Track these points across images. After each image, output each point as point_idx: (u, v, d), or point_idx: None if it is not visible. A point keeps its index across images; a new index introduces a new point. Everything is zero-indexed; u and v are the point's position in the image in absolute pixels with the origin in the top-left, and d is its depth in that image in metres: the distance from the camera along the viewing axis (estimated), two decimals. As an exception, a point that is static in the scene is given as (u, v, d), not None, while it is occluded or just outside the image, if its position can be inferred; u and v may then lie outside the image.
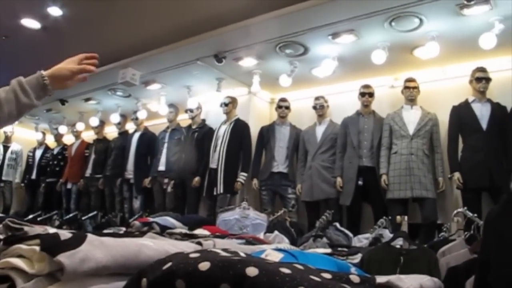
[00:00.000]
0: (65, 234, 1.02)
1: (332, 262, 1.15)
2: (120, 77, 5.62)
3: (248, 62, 5.21)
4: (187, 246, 1.27)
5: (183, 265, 0.80)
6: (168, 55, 5.29)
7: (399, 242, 2.91)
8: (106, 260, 0.95)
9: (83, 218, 6.52)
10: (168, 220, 4.19)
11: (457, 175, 4.42)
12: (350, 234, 4.03)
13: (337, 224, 4.16)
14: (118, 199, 6.89)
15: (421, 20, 4.10)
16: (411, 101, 4.85)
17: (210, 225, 4.28)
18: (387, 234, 3.72)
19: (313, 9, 4.05)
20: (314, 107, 5.46)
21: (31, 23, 5.21)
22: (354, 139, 5.00)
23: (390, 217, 4.00)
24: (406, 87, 4.88)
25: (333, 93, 5.63)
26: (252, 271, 0.74)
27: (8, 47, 5.99)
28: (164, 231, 4.04)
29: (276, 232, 4.02)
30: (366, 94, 5.07)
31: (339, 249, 3.37)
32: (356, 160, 4.93)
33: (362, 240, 3.91)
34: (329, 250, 3.27)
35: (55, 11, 4.87)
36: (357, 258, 2.95)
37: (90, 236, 1.02)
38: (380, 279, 0.90)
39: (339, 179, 4.99)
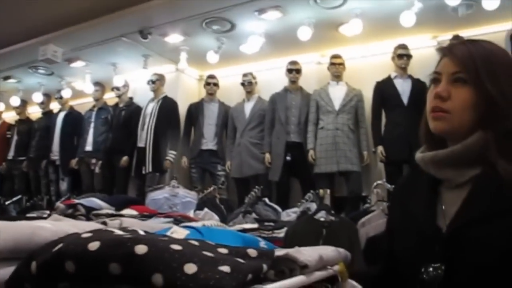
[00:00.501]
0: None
1: (239, 237, 1.15)
2: (40, 54, 5.34)
3: (174, 38, 5.09)
4: (89, 226, 1.22)
5: (73, 246, 0.76)
6: (91, 31, 5.06)
7: (322, 215, 2.99)
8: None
9: (6, 203, 6.24)
10: (94, 201, 4.07)
11: (380, 148, 4.57)
12: (279, 209, 4.09)
13: (266, 200, 4.21)
14: (43, 182, 6.62)
15: (345, -3, 4.16)
16: (337, 77, 4.94)
17: (139, 204, 4.22)
18: (314, 208, 3.81)
19: (238, -16, 4.02)
20: (242, 84, 5.45)
21: None
22: (282, 115, 5.04)
23: (317, 191, 4.09)
24: (332, 64, 4.96)
25: (261, 70, 5.64)
26: (141, 248, 0.72)
27: None
28: (90, 212, 3.97)
29: (206, 209, 4.02)
30: (293, 70, 5.11)
31: (266, 224, 3.43)
32: (284, 136, 4.98)
33: (290, 214, 3.97)
34: (256, 225, 3.31)
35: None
36: (282, 232, 3.01)
37: (-25, 220, 0.96)
38: (279, 252, 0.90)
39: (267, 155, 5.03)
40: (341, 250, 1.23)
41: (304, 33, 4.53)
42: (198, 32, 4.97)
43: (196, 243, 0.84)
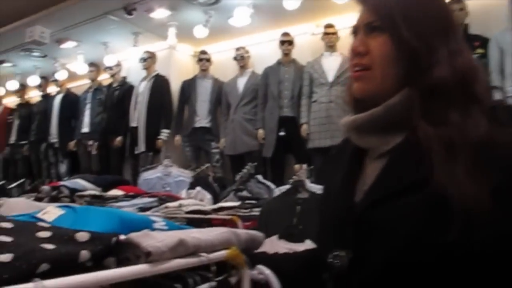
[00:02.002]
0: None
1: (116, 218, 1.01)
2: (28, 36, 5.27)
3: (160, 13, 4.93)
4: None
5: None
6: (76, 10, 4.95)
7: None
8: None
9: (9, 186, 6.27)
10: (78, 182, 4.02)
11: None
12: (272, 186, 3.94)
13: (259, 177, 4.06)
14: (44, 165, 6.65)
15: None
16: (331, 47, 4.73)
17: (127, 185, 4.16)
18: (309, 184, 3.68)
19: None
20: (235, 58, 5.28)
21: None
22: (274, 89, 4.86)
23: (311, 167, 3.94)
24: (325, 34, 4.74)
25: (254, 44, 5.46)
26: None
27: None
28: (73, 194, 3.91)
29: (198, 188, 3.94)
30: (286, 42, 4.91)
31: (247, 202, 3.31)
32: (277, 110, 4.82)
33: (283, 191, 3.85)
34: (237, 203, 3.20)
35: None
36: (261, 209, 2.88)
37: None
38: (124, 236, 0.76)
39: (260, 131, 4.89)
40: (245, 232, 1.09)
41: (291, 2, 4.31)
42: (184, 5, 4.82)
43: (9, 225, 0.71)
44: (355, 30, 0.98)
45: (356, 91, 0.97)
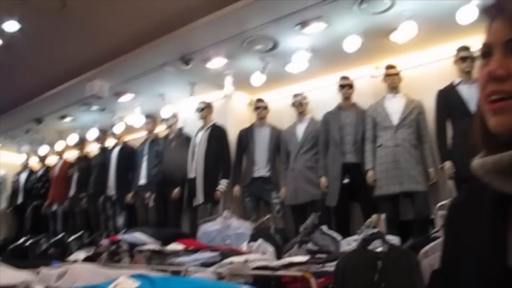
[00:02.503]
0: None
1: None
2: (87, 90, 5.38)
3: (217, 62, 4.89)
4: (10, 278, 0.97)
5: None
6: (134, 62, 5.01)
7: (377, 245, 2.60)
8: None
9: (69, 240, 6.29)
10: (137, 236, 3.95)
11: (448, 164, 4.08)
12: (338, 237, 3.73)
13: (324, 227, 3.85)
14: (102, 218, 6.65)
15: (392, -2, 3.80)
16: (393, 89, 4.54)
17: (187, 238, 4.03)
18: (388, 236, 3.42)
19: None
20: (293, 105, 5.16)
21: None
22: (336, 135, 4.67)
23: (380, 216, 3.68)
24: (386, 75, 4.57)
25: (312, 89, 5.32)
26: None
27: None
28: (133, 248, 3.80)
29: (260, 240, 3.81)
30: (345, 86, 4.75)
31: (317, 256, 3.08)
32: (340, 157, 4.60)
33: (351, 243, 3.60)
34: (306, 258, 2.97)
35: (12, 25, 4.60)
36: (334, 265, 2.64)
37: None
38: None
39: (323, 179, 4.67)
40: None
41: (351, 44, 4.18)
42: (240, 53, 4.76)
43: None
44: (488, 51, 0.77)
45: (498, 126, 0.75)
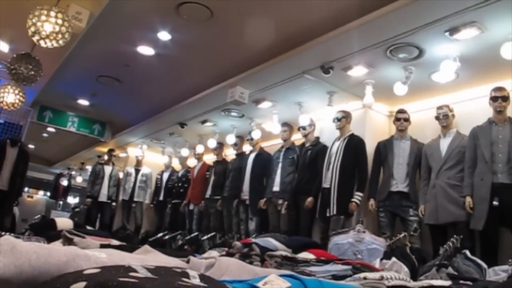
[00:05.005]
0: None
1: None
2: (229, 97, 5.61)
3: (358, 71, 4.77)
4: (165, 263, 0.99)
5: (60, 284, 0.68)
6: (273, 70, 5.12)
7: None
8: (3, 271, 0.74)
9: (202, 238, 6.58)
10: (270, 241, 3.97)
11: None
12: (484, 265, 3.40)
13: (467, 252, 3.55)
14: (235, 221, 6.91)
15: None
16: (558, 103, 4.06)
17: (318, 248, 3.97)
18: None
19: (423, 2, 3.53)
20: (437, 117, 4.84)
21: (145, 50, 5.37)
22: (486, 152, 4.27)
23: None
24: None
25: (459, 101, 4.95)
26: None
27: (129, 75, 6.28)
28: (264, 253, 3.83)
29: (394, 259, 3.63)
30: (499, 98, 4.32)
31: (461, 282, 2.82)
32: (489, 176, 4.19)
33: (499, 273, 3.28)
34: (448, 283, 2.73)
35: (164, 36, 4.95)
36: (484, 295, 2.39)
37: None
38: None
39: (468, 199, 4.29)
40: None
41: (510, 51, 3.79)
42: (382, 62, 4.58)
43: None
44: None
45: None
